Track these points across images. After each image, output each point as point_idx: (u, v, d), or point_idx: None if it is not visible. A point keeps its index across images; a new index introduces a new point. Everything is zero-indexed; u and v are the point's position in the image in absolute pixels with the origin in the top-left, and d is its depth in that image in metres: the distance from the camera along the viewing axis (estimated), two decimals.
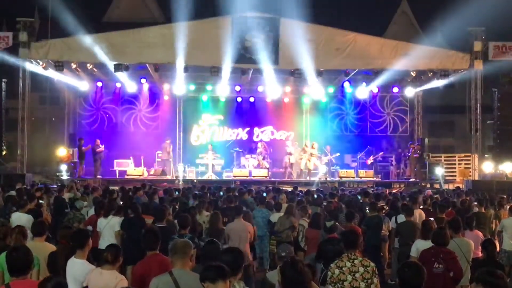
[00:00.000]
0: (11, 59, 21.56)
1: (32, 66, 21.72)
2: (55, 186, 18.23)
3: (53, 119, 27.99)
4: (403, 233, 10.22)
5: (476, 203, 13.39)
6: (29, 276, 5.25)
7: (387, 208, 12.74)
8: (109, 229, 9.83)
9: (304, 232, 10.32)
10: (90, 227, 10.01)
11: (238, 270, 4.96)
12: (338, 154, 25.18)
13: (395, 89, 26.02)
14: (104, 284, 5.71)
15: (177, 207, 12.10)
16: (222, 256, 4.98)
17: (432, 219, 10.13)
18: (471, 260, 7.99)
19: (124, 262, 7.07)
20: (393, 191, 20.02)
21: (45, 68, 21.77)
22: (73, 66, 22.41)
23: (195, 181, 22.94)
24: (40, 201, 13.06)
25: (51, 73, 22.52)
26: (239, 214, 9.81)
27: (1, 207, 11.90)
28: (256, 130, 27.11)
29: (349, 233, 6.61)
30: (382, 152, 25.93)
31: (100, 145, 23.79)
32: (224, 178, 24.15)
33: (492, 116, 28.70)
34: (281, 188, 18.50)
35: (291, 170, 24.57)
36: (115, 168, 24.51)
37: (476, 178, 22.93)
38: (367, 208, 12.05)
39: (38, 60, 21.62)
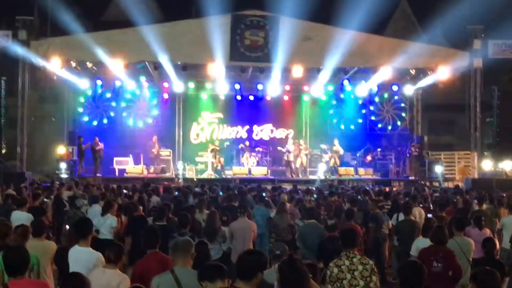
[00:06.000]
0: (10, 57, 21.56)
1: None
2: (49, 184, 18.19)
3: (53, 117, 27.94)
4: (402, 232, 10.23)
5: (476, 201, 13.40)
6: (26, 275, 5.26)
7: (388, 206, 12.72)
8: (106, 226, 9.90)
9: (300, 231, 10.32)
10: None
11: (252, 276, 4.49)
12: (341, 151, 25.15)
13: (395, 87, 25.97)
14: (107, 283, 5.74)
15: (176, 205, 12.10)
16: (241, 258, 4.63)
17: (432, 216, 10.15)
18: (471, 259, 7.98)
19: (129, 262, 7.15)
20: (393, 189, 20.03)
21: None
22: (73, 64, 22.40)
23: (195, 179, 22.95)
24: (45, 200, 13.07)
25: (58, 71, 22.53)
26: (243, 212, 9.80)
27: (1, 206, 11.91)
28: (256, 128, 27.09)
29: (347, 232, 6.62)
30: (380, 149, 25.93)
31: (99, 143, 23.77)
32: (224, 176, 24.15)
33: (491, 114, 28.66)
34: (281, 186, 18.50)
35: (291, 168, 24.51)
36: (114, 166, 24.51)
37: (476, 176, 22.96)
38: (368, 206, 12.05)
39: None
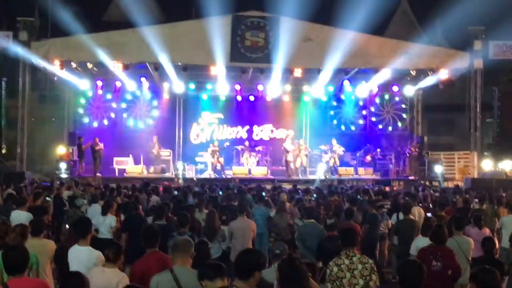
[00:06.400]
0: (11, 58, 21.60)
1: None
2: (49, 183, 18.21)
3: (53, 118, 27.96)
4: (402, 231, 10.23)
5: (477, 200, 13.45)
6: (26, 274, 5.27)
7: (388, 206, 12.72)
8: (106, 226, 9.91)
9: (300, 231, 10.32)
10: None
11: (250, 275, 4.50)
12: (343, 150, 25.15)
13: (395, 88, 25.98)
14: (107, 282, 5.75)
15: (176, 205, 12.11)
16: (240, 257, 4.68)
17: (432, 216, 10.15)
18: (470, 258, 7.98)
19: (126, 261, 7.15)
20: (393, 188, 20.01)
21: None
22: (73, 65, 22.41)
23: (194, 179, 22.96)
24: (47, 198, 13.06)
25: (58, 72, 22.56)
26: (242, 212, 9.79)
27: (1, 206, 11.94)
28: (256, 128, 27.10)
29: (347, 231, 6.63)
30: (379, 149, 25.94)
31: (99, 143, 23.79)
32: (224, 176, 24.14)
33: (491, 115, 28.69)
34: (281, 186, 18.51)
35: (289, 168, 24.49)
36: (114, 166, 24.51)
37: (476, 176, 22.96)
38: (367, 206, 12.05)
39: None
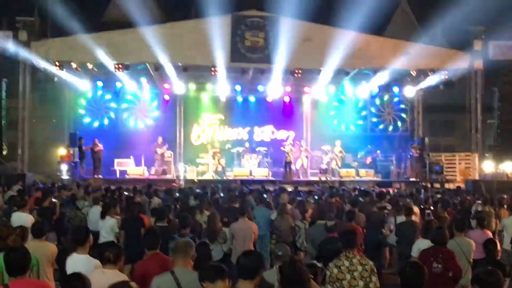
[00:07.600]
0: (11, 58, 21.59)
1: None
2: (50, 185, 18.20)
3: (53, 118, 27.95)
4: (402, 233, 10.20)
5: (479, 201, 13.44)
6: (27, 276, 5.26)
7: (390, 208, 12.69)
8: (106, 228, 9.89)
9: (301, 233, 10.30)
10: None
11: (256, 275, 4.64)
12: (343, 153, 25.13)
13: (395, 89, 25.99)
14: (107, 284, 5.71)
15: (178, 206, 12.10)
16: (240, 259, 4.75)
17: (433, 218, 10.14)
18: (471, 260, 7.95)
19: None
20: (394, 190, 19.99)
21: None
22: (73, 65, 22.41)
23: (196, 180, 22.94)
24: (53, 200, 13.07)
25: (58, 72, 22.56)
26: (243, 214, 9.79)
27: (2, 207, 11.94)
28: (257, 129, 27.10)
29: (346, 232, 6.62)
30: (379, 151, 25.91)
31: (99, 144, 23.77)
32: (225, 177, 24.13)
33: (492, 116, 28.65)
34: (283, 188, 18.49)
35: (292, 170, 24.48)
36: (115, 167, 24.48)
37: (477, 178, 22.94)
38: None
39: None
